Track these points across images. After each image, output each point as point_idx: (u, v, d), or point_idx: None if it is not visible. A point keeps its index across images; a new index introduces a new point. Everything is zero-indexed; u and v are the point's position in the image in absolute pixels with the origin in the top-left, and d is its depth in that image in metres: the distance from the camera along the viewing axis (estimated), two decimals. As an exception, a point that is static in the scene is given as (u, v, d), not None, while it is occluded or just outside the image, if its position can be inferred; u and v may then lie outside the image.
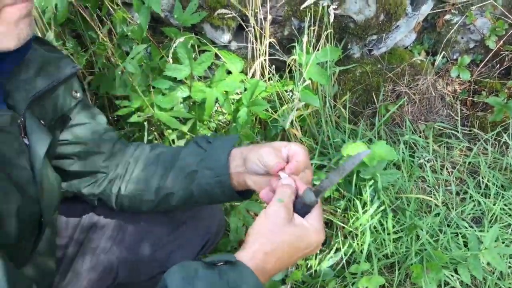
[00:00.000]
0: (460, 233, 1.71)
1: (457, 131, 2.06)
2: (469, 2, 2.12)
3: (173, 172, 1.14)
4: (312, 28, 1.75)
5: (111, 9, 1.52)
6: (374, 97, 2.04)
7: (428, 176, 1.89)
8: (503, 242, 1.67)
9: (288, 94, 1.71)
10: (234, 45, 1.94)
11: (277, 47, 1.82)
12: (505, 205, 1.81)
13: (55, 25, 1.48)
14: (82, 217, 1.27)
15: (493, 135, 1.99)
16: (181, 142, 1.64)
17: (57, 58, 0.99)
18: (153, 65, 1.58)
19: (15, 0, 0.76)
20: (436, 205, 1.77)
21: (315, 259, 1.64)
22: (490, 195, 1.85)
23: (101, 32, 1.59)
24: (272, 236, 0.86)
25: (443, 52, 2.16)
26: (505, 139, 1.98)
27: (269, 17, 1.72)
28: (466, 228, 1.72)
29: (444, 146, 2.01)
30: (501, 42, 2.12)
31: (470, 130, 2.08)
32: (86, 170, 1.15)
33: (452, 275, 1.56)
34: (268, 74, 1.79)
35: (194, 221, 1.30)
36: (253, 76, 1.78)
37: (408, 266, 1.58)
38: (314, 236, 0.88)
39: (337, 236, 1.64)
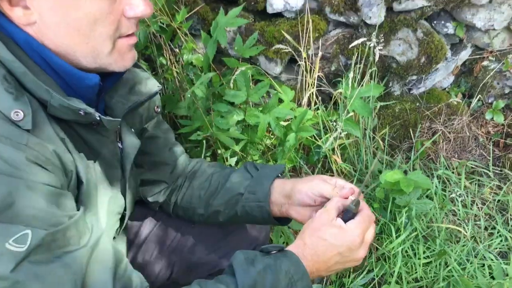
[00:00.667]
0: (487, 264, 1.81)
1: (489, 170, 2.17)
2: (507, 50, 2.26)
3: (222, 192, 1.28)
4: (358, 65, 1.93)
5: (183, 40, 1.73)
6: (411, 133, 2.19)
7: (459, 210, 2.01)
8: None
9: (332, 123, 1.88)
10: (284, 76, 2.13)
11: (324, 80, 2.00)
12: (531, 242, 1.91)
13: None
14: (146, 217, 1.44)
15: (523, 175, 2.10)
16: (233, 160, 1.82)
17: (145, 77, 1.15)
18: (213, 90, 1.77)
19: (128, 32, 0.94)
20: (464, 236, 1.88)
21: (349, 277, 1.77)
22: (517, 231, 1.95)
23: (170, 59, 1.80)
24: (313, 231, 1.03)
25: (479, 95, 2.29)
26: (535, 181, 2.09)
27: (320, 53, 1.91)
28: (492, 260, 1.82)
29: (476, 183, 2.13)
30: (535, 89, 2.24)
31: (501, 170, 2.20)
32: (154, 179, 1.31)
33: (477, 302, 1.67)
34: (315, 104, 1.96)
35: (242, 231, 1.44)
36: (301, 105, 1.96)
37: (435, 291, 1.70)
38: (348, 237, 1.01)
39: (371, 257, 1.77)
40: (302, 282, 0.97)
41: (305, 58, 1.90)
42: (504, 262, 1.83)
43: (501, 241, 1.93)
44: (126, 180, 1.14)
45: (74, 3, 0.83)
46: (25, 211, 0.76)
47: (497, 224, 1.98)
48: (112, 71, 0.96)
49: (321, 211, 1.06)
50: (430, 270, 1.74)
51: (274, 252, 1.00)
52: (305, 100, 1.91)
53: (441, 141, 2.19)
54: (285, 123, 1.90)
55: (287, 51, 1.82)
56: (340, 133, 1.81)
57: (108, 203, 1.06)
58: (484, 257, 1.84)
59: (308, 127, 1.73)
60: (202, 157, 1.76)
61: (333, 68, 2.09)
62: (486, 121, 2.30)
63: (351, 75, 1.84)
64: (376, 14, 1.93)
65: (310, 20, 1.86)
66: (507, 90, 2.36)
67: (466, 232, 1.89)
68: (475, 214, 2.02)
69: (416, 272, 1.72)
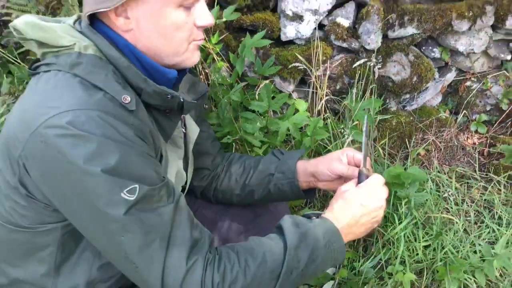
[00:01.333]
0: (478, 250, 2.09)
1: (476, 174, 2.49)
2: (486, 72, 2.62)
3: (255, 174, 1.57)
4: (360, 82, 2.26)
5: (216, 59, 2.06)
6: (407, 143, 2.51)
7: (451, 208, 2.30)
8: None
9: (340, 130, 2.19)
10: (295, 95, 2.46)
11: (331, 96, 2.33)
12: (515, 232, 2.20)
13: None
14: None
15: (505, 177, 2.41)
16: (256, 162, 2.12)
17: (197, 80, 1.42)
18: (241, 100, 2.09)
19: (197, 38, 1.22)
20: (457, 223, 2.16)
21: (359, 261, 2.04)
22: (502, 224, 2.24)
23: (201, 77, 2.12)
24: (339, 197, 1.31)
25: (464, 111, 2.63)
26: (515, 181, 2.40)
27: (328, 72, 2.25)
28: (482, 246, 2.10)
29: (465, 185, 2.44)
30: (513, 105, 2.59)
31: (486, 174, 2.51)
32: (199, 166, 1.58)
33: (470, 278, 1.94)
34: (325, 113, 2.29)
35: (269, 214, 1.69)
36: (313, 116, 2.28)
37: (434, 270, 1.97)
38: (366, 189, 1.29)
39: (378, 243, 2.05)
40: (337, 242, 1.22)
41: (315, 76, 2.24)
42: (492, 249, 2.11)
43: (489, 232, 2.22)
44: (188, 158, 1.44)
45: (163, 14, 1.13)
46: (134, 170, 1.02)
47: (485, 218, 2.27)
48: (184, 68, 1.25)
49: (343, 186, 1.35)
50: (429, 253, 2.01)
51: (314, 217, 1.27)
52: (316, 110, 2.23)
53: (433, 149, 2.51)
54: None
55: (301, 68, 2.15)
56: (347, 139, 2.12)
57: (175, 176, 1.34)
58: (475, 244, 2.12)
59: (321, 130, 2.04)
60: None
61: (338, 87, 2.43)
62: (471, 133, 2.63)
63: (354, 90, 2.18)
64: (374, 41, 2.28)
65: (320, 45, 2.21)
66: (488, 107, 2.70)
67: (459, 226, 2.18)
68: (465, 211, 2.31)
69: (417, 255, 1.99)
